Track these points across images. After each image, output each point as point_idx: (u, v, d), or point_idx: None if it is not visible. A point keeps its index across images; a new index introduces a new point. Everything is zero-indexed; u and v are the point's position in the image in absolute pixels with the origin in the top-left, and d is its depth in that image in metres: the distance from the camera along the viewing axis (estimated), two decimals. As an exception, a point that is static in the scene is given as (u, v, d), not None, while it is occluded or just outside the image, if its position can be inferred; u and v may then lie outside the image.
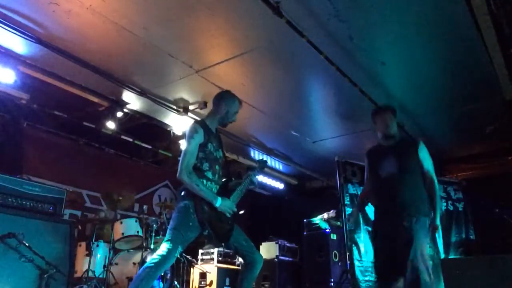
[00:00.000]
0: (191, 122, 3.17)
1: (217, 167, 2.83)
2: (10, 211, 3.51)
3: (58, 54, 3.98)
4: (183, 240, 2.58)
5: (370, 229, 4.96)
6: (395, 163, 3.00)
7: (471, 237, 5.43)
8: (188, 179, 2.64)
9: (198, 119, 5.22)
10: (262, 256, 2.86)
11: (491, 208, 5.42)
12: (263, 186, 7.52)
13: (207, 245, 5.72)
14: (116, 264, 4.55)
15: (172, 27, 3.65)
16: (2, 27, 3.57)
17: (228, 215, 2.72)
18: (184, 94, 4.88)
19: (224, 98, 2.96)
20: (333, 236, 5.72)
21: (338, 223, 5.79)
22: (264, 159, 3.21)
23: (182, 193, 2.71)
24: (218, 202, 2.66)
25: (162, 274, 4.46)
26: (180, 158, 2.69)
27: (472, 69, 4.17)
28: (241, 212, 2.89)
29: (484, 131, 5.55)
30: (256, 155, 6.72)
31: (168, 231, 2.64)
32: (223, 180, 2.91)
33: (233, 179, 3.00)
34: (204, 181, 2.72)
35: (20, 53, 4.06)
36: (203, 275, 5.62)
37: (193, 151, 2.70)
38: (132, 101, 5.04)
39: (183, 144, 5.18)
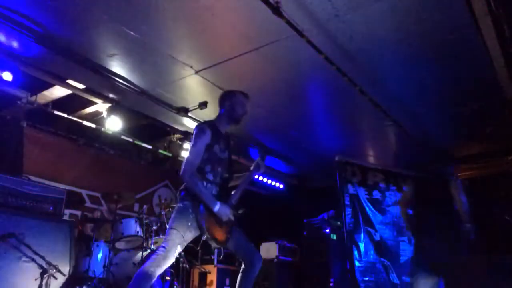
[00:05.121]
0: (193, 122, 3.18)
1: (219, 168, 2.83)
2: (10, 211, 3.52)
3: (58, 54, 3.99)
4: (182, 240, 2.59)
5: (370, 229, 4.96)
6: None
7: (471, 237, 5.42)
8: (190, 180, 2.65)
9: (198, 119, 5.30)
10: (261, 257, 2.86)
11: (491, 208, 5.42)
12: (263, 186, 7.52)
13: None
14: (116, 264, 4.55)
15: (172, 27, 3.65)
16: (2, 26, 3.58)
17: (225, 220, 2.71)
18: (184, 94, 4.88)
19: (225, 95, 3.01)
20: (333, 236, 5.72)
21: (338, 223, 5.79)
22: (262, 154, 3.21)
23: (182, 194, 2.72)
24: (217, 207, 2.64)
25: (162, 274, 4.47)
26: (185, 158, 2.70)
27: (472, 69, 4.17)
28: (240, 211, 2.89)
29: (484, 131, 5.55)
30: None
31: (167, 231, 2.65)
32: (225, 178, 2.92)
33: (234, 176, 3.01)
34: (205, 183, 2.72)
35: (20, 53, 4.06)
36: (203, 275, 5.62)
37: (199, 152, 2.70)
38: (132, 101, 5.04)
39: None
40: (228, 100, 2.95)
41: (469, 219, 4.30)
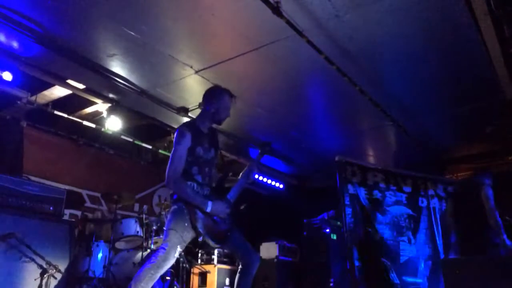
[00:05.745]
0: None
1: (207, 169, 2.79)
2: (10, 211, 3.52)
3: (58, 54, 3.99)
4: (181, 240, 2.57)
5: (370, 229, 4.96)
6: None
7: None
8: (176, 187, 2.62)
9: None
10: (259, 257, 2.85)
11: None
12: (263, 186, 7.52)
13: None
14: (116, 264, 4.55)
15: (172, 27, 3.65)
16: (2, 26, 3.58)
17: (222, 216, 2.69)
18: (184, 94, 4.88)
19: (213, 94, 2.90)
20: (333, 236, 5.72)
21: (338, 223, 5.79)
22: (268, 141, 3.13)
23: (175, 197, 2.69)
24: (209, 207, 2.61)
25: (163, 274, 4.46)
26: (168, 165, 2.65)
27: (472, 69, 4.17)
28: (242, 207, 2.86)
29: (484, 131, 5.55)
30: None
31: (165, 233, 2.62)
32: (220, 176, 2.90)
33: (230, 174, 2.98)
34: (195, 185, 2.69)
35: (20, 53, 4.06)
36: (203, 275, 5.62)
37: (180, 156, 2.66)
38: (132, 101, 5.04)
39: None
40: (216, 101, 2.85)
41: (499, 230, 4.17)
